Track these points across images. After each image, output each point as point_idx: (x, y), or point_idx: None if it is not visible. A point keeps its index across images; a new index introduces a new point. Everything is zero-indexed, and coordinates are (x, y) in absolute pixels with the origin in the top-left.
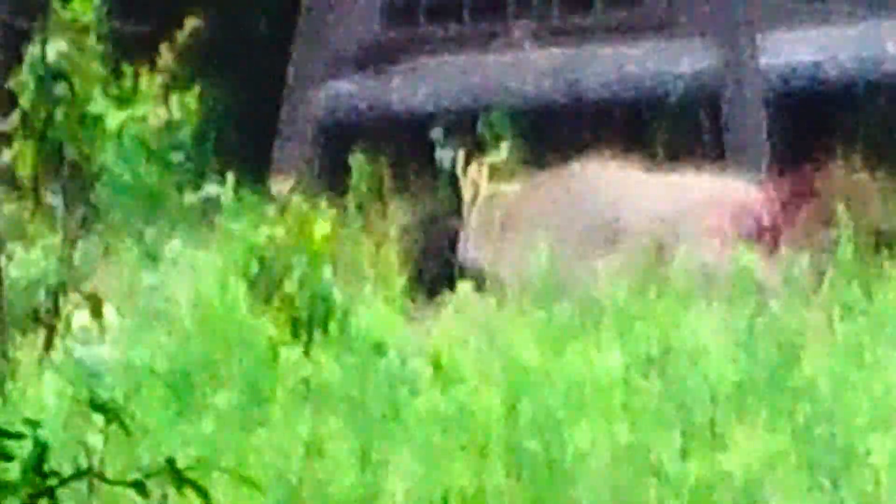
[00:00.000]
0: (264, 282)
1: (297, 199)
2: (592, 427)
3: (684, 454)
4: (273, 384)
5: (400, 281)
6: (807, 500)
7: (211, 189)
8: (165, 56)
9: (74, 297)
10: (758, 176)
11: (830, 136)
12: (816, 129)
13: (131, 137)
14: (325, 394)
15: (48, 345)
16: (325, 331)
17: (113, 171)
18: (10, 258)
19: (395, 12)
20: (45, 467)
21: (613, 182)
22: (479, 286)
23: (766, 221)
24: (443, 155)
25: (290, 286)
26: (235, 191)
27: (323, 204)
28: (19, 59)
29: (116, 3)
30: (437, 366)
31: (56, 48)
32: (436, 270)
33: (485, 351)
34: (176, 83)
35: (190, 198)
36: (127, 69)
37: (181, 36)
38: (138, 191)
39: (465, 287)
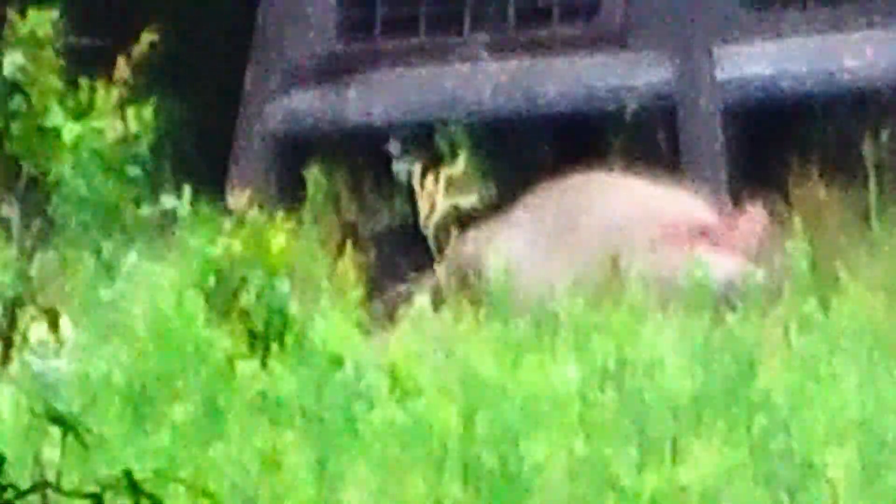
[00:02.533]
0: (221, 295)
1: (253, 212)
2: (549, 440)
3: (641, 467)
4: (230, 397)
5: (356, 294)
6: None
7: (168, 202)
8: (122, 69)
9: (31, 310)
10: (714, 188)
11: (786, 149)
12: (773, 142)
13: (88, 150)
14: (281, 407)
15: (5, 358)
16: (282, 344)
17: (70, 184)
18: None
19: (351, 26)
20: (2, 480)
21: (572, 191)
22: (438, 301)
23: (722, 234)
24: (399, 168)
25: (246, 299)
26: (192, 204)
27: (279, 217)
28: None
29: (73, 16)
30: (393, 379)
31: (13, 61)
32: (392, 283)
33: (442, 364)
34: (133, 96)
35: (147, 211)
36: (84, 83)
37: (138, 49)
38: (95, 204)
39: (422, 300)
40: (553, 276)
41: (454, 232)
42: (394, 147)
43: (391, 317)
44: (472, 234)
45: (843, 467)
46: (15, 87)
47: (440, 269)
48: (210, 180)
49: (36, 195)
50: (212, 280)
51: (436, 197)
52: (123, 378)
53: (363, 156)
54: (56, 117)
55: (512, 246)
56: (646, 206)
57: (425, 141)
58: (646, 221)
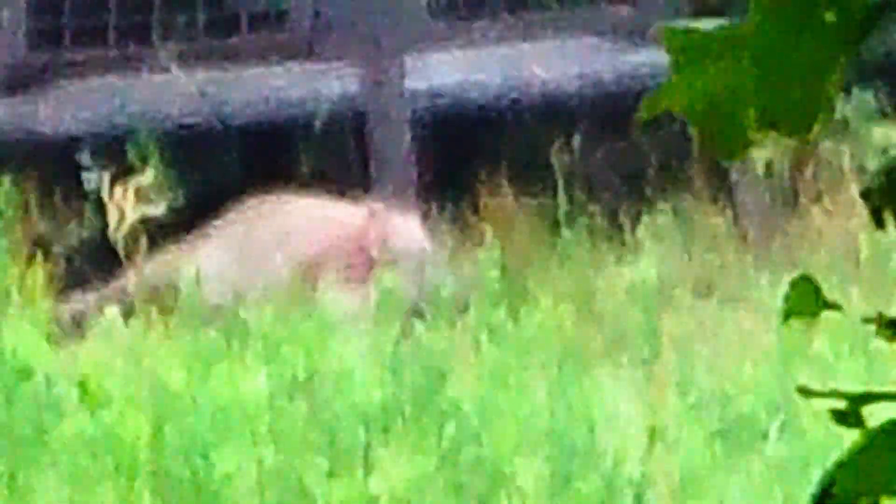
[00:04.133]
0: None
1: None
2: (238, 450)
3: (331, 477)
4: None
5: (46, 305)
6: None
7: None
8: None
9: None
10: (403, 199)
11: (476, 158)
12: (463, 151)
13: None
14: None
15: None
16: None
17: None
18: None
19: (40, 35)
20: None
21: (261, 207)
22: (128, 311)
23: (412, 242)
24: (89, 178)
25: None
26: None
27: None
28: None
29: None
30: (83, 390)
31: None
32: (82, 294)
33: (132, 375)
34: None
35: None
36: None
37: None
38: None
39: (112, 311)
40: (243, 287)
41: (144, 242)
42: (83, 158)
43: (81, 328)
44: (170, 248)
45: (533, 476)
46: None
47: (131, 280)
48: None
49: None
50: None
51: (125, 207)
52: None
53: (53, 166)
54: None
55: (205, 259)
56: (336, 220)
57: (115, 152)
58: (335, 236)
